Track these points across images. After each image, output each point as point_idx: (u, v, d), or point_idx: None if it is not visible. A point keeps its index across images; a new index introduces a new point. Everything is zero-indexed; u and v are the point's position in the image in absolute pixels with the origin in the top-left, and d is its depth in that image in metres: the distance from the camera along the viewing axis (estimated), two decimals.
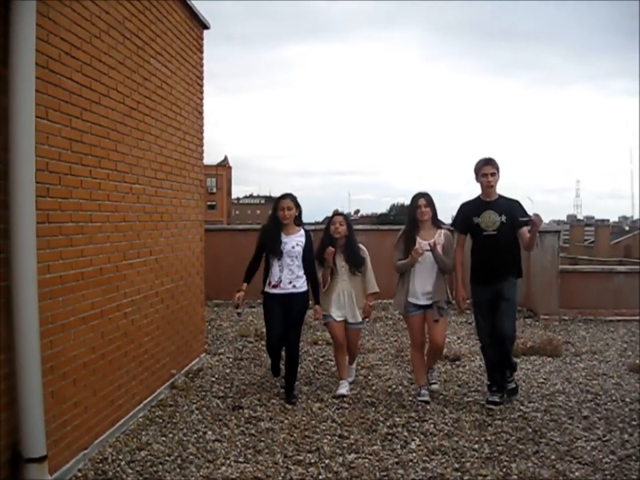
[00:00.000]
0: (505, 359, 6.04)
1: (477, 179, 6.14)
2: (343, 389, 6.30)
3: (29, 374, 3.66)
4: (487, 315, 6.07)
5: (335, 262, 6.32)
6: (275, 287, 6.09)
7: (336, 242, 6.33)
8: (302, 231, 6.24)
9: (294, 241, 6.11)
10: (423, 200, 6.14)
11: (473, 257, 6.19)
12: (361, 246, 6.51)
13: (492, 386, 6.09)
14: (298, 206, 6.21)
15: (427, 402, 5.98)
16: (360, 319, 6.41)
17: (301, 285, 6.14)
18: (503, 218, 5.98)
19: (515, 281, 6.08)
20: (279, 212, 6.10)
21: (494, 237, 5.99)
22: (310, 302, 6.32)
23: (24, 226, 3.61)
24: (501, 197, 6.13)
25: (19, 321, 3.61)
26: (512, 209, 6.03)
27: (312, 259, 6.25)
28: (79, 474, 4.40)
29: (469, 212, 6.17)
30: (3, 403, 3.60)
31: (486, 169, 6.06)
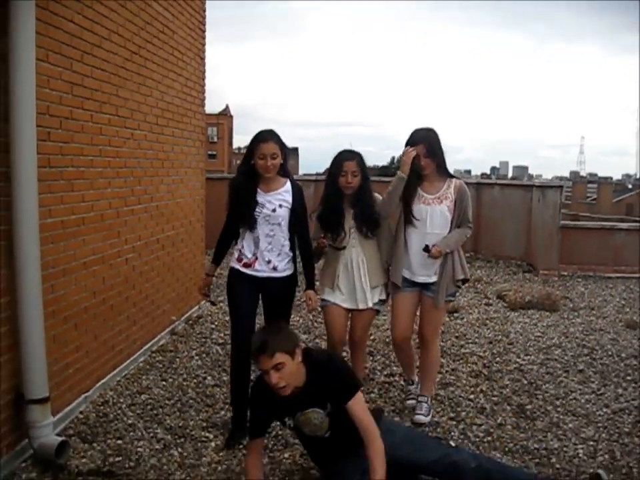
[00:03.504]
0: None
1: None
2: None
3: (31, 317, 3.68)
4: None
5: (343, 219, 4.50)
6: (247, 265, 4.23)
7: (345, 196, 4.53)
8: (288, 184, 4.25)
9: (276, 200, 4.17)
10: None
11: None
12: (377, 196, 4.60)
13: None
14: (284, 149, 4.18)
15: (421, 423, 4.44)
16: (376, 299, 4.58)
17: (286, 267, 4.25)
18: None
19: None
20: (258, 160, 4.08)
21: None
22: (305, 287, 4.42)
23: (25, 170, 3.58)
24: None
25: (21, 264, 3.62)
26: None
27: (305, 224, 4.36)
28: (81, 416, 4.48)
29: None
30: (6, 345, 3.63)
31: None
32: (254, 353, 3.23)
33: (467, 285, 4.53)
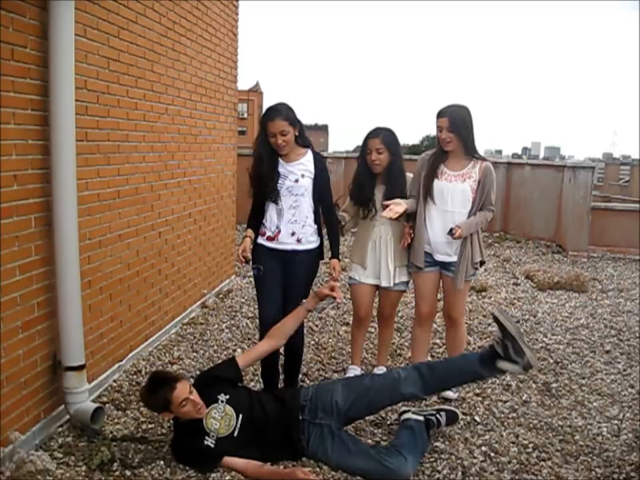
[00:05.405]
0: None
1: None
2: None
3: (68, 286, 3.78)
4: None
5: (372, 196, 4.53)
6: (270, 239, 4.19)
7: (377, 174, 4.52)
8: (309, 153, 4.20)
9: (299, 170, 4.13)
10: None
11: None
12: (409, 175, 4.58)
13: None
14: (296, 122, 4.09)
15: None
16: (403, 279, 4.62)
17: (310, 238, 4.20)
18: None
19: None
20: (270, 139, 4.04)
21: None
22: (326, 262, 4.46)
23: (64, 143, 3.65)
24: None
25: (60, 235, 3.70)
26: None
27: (328, 195, 4.31)
28: (114, 384, 4.61)
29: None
30: (45, 313, 3.75)
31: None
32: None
33: (484, 266, 4.61)
